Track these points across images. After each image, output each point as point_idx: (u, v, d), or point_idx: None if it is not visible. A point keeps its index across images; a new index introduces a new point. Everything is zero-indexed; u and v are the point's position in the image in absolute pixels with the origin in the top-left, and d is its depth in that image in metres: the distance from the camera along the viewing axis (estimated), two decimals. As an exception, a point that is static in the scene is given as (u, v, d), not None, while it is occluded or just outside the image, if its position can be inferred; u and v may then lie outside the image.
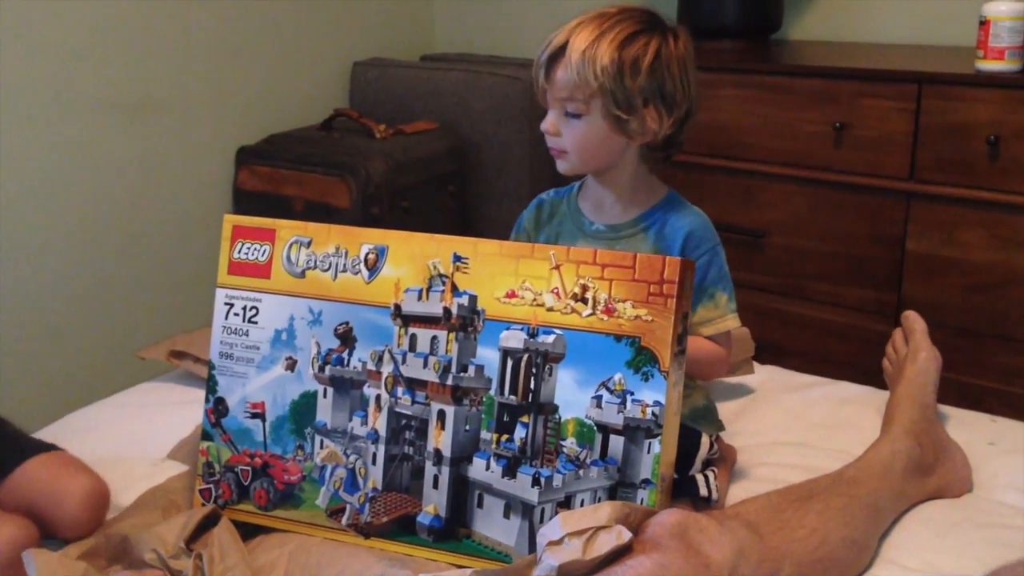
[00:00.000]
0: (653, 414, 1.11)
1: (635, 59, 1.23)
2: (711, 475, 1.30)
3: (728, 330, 1.32)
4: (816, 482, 1.23)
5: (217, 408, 1.28)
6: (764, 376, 1.67)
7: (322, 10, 2.63)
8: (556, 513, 1.12)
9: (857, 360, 1.76)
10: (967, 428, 1.48)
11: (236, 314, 1.28)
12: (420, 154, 2.45)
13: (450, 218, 2.48)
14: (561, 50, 1.25)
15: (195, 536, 1.20)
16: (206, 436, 1.29)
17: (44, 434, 1.51)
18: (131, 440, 1.50)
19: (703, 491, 1.27)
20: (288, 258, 1.26)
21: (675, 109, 1.27)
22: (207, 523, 1.22)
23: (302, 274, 1.26)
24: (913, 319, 1.51)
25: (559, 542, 1.03)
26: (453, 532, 1.17)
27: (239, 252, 1.29)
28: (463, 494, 1.17)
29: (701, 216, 1.34)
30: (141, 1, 2.20)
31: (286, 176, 2.42)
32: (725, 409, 1.50)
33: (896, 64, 2.06)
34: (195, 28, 2.34)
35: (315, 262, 1.25)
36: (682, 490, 1.23)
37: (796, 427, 1.52)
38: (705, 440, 1.31)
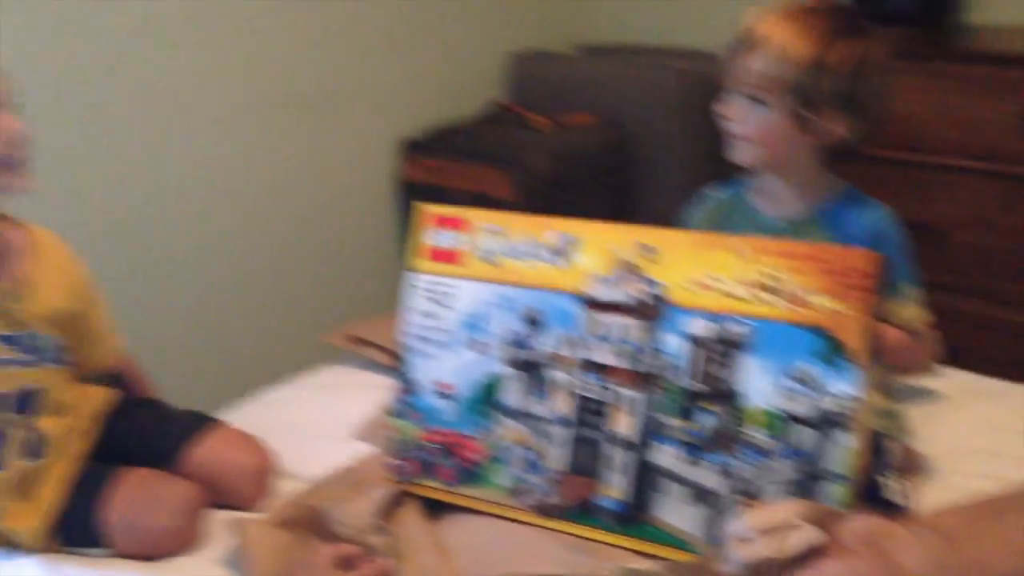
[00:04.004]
0: (846, 407, 1.10)
1: (834, 62, 1.22)
2: (900, 480, 1.27)
3: (922, 324, 1.30)
4: (1016, 495, 1.19)
5: (408, 387, 1.33)
6: (951, 381, 1.62)
7: (481, 2, 2.68)
8: (741, 504, 1.13)
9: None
10: None
11: (428, 298, 1.33)
12: (580, 147, 2.47)
13: (609, 211, 2.48)
14: (759, 38, 1.24)
15: (386, 514, 1.25)
16: (396, 414, 1.34)
17: (239, 409, 1.62)
18: (316, 419, 1.58)
19: (892, 497, 1.24)
20: (481, 246, 1.31)
21: (864, 117, 1.26)
22: (396, 501, 1.28)
23: (494, 261, 1.30)
24: None
25: (747, 539, 1.03)
26: (634, 517, 1.19)
27: (433, 239, 1.34)
28: (645, 479, 1.19)
29: (886, 210, 1.32)
30: (311, 3, 2.29)
31: (449, 168, 2.49)
32: (911, 414, 1.47)
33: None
34: (361, 25, 2.42)
35: (507, 250, 1.29)
36: (869, 495, 1.20)
37: (988, 434, 1.47)
38: (892, 443, 1.29)
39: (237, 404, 1.64)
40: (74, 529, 1.27)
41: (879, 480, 1.26)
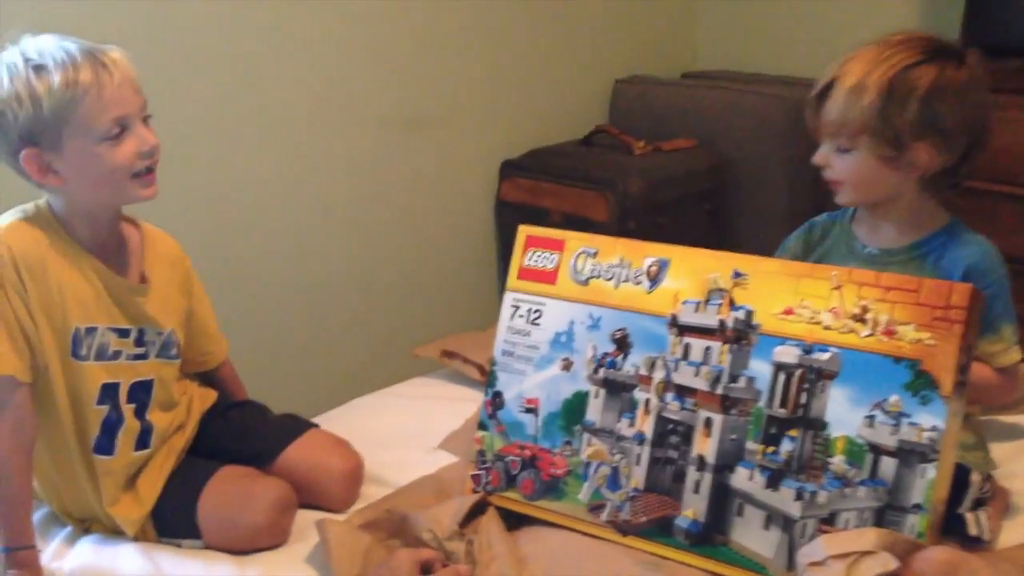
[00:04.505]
0: (930, 439, 1.09)
1: (905, 94, 1.22)
2: (982, 514, 1.26)
3: (1014, 362, 1.28)
4: None
5: (495, 401, 1.37)
6: (1038, 417, 1.58)
7: (585, 29, 2.71)
8: (819, 530, 1.13)
9: None
10: None
11: (521, 316, 1.37)
12: (678, 171, 2.48)
13: (705, 235, 2.48)
14: (830, 86, 1.26)
15: (466, 521, 1.29)
16: (482, 426, 1.38)
17: (333, 414, 1.68)
18: (405, 427, 1.63)
19: (973, 530, 1.23)
20: (574, 267, 1.34)
21: (952, 141, 1.24)
22: (476, 510, 1.31)
23: (586, 282, 1.33)
24: None
25: (821, 563, 1.03)
26: (710, 538, 1.20)
27: (529, 259, 1.38)
28: (723, 501, 1.20)
29: (986, 246, 1.30)
30: (418, 27, 2.36)
31: (546, 189, 2.52)
32: (998, 449, 1.44)
33: None
34: (466, 49, 2.47)
35: (599, 271, 1.32)
36: (950, 528, 1.20)
37: (1077, 472, 1.43)
38: (976, 477, 1.27)
39: (332, 410, 1.70)
40: (171, 520, 1.34)
41: (960, 513, 1.24)
